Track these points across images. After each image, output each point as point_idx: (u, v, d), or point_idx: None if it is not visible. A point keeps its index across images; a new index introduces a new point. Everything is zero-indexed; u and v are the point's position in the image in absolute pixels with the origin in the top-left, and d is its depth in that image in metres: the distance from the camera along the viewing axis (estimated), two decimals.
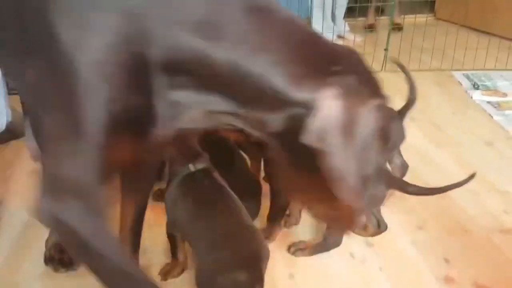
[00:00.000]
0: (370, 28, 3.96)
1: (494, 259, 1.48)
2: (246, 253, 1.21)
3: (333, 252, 1.51)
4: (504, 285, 1.37)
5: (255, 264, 1.19)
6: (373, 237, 1.57)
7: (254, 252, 1.22)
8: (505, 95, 2.84)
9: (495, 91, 2.89)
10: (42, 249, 1.48)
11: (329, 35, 3.24)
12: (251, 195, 1.61)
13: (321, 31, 2.61)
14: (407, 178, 1.92)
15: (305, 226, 1.64)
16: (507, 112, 2.61)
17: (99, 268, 0.92)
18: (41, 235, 1.49)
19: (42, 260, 1.46)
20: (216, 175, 1.40)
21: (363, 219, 1.50)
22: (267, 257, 1.24)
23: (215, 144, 1.51)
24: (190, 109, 0.90)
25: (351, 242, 1.55)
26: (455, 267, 1.44)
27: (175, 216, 1.38)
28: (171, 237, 1.42)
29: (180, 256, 1.44)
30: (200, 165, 1.39)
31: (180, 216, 1.36)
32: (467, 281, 1.38)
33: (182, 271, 1.45)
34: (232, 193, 1.37)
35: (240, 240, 1.24)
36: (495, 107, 2.69)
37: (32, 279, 1.43)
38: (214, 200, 1.33)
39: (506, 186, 1.88)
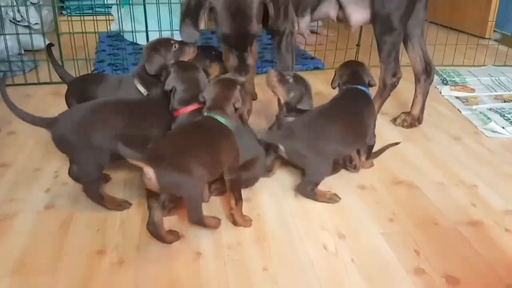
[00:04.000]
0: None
1: (462, 251, 1.51)
2: None
3: (307, 243, 1.52)
4: (473, 276, 1.41)
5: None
6: (345, 229, 1.59)
7: None
8: (473, 90, 2.91)
9: (463, 87, 2.96)
10: None
11: None
12: None
13: None
14: (377, 172, 1.95)
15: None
16: (474, 107, 2.67)
17: None
18: None
19: None
20: None
21: None
22: None
23: None
24: None
25: (324, 233, 1.57)
26: (425, 259, 1.47)
27: None
28: None
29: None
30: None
31: None
32: (437, 273, 1.41)
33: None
34: None
35: None
36: (463, 102, 2.74)
37: None
38: None
39: (473, 180, 1.92)
